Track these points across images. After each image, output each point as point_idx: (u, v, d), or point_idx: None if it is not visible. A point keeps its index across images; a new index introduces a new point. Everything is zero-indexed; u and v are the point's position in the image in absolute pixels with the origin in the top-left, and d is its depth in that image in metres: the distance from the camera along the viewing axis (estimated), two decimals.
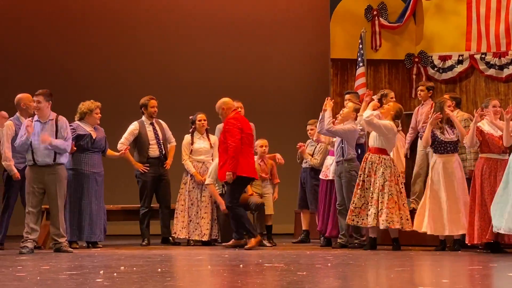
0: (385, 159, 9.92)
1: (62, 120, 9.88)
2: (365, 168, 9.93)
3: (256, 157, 11.04)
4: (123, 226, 13.01)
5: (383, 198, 9.77)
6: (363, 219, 9.87)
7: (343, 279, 6.49)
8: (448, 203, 9.68)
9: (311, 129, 11.43)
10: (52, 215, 9.76)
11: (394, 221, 9.73)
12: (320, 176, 10.87)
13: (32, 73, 14.51)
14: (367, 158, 9.96)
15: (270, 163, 11.30)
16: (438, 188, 9.76)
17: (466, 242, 9.48)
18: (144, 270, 7.14)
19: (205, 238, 10.91)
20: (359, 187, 9.91)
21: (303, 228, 11.77)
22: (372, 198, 9.81)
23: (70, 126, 10.08)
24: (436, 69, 13.82)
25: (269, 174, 11.25)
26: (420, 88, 11.64)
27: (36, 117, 9.81)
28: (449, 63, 13.74)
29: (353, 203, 9.89)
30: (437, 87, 13.65)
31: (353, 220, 9.91)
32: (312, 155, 11.34)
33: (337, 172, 10.31)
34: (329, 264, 7.70)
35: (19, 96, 10.55)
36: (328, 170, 10.67)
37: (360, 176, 9.95)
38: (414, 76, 13.87)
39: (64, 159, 9.86)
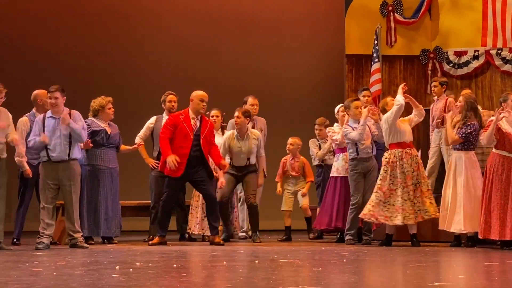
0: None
1: (75, 113, 9.88)
2: (411, 163, 9.82)
3: (289, 156, 11.34)
4: (137, 222, 13.02)
5: (421, 189, 9.77)
6: (391, 216, 9.79)
7: (359, 275, 6.48)
8: (451, 199, 9.64)
9: (320, 130, 11.41)
10: (67, 211, 9.78)
11: (430, 211, 9.74)
12: (335, 174, 10.77)
13: (45, 70, 14.55)
14: (410, 154, 9.86)
15: (301, 161, 11.29)
16: (449, 183, 9.71)
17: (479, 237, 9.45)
18: (160, 265, 7.15)
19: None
20: (398, 183, 9.80)
21: None
22: (414, 190, 9.77)
23: (85, 122, 10.09)
24: (451, 64, 13.80)
25: (301, 171, 11.25)
26: (434, 84, 11.58)
27: (49, 113, 9.81)
28: (464, 58, 13.72)
29: (399, 199, 9.78)
30: (452, 82, 13.63)
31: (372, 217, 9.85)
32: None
33: (365, 168, 10.25)
34: (344, 260, 7.69)
35: (35, 92, 10.56)
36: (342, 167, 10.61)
37: (396, 172, 9.84)
38: (429, 72, 13.85)
39: (78, 154, 9.87)
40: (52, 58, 14.84)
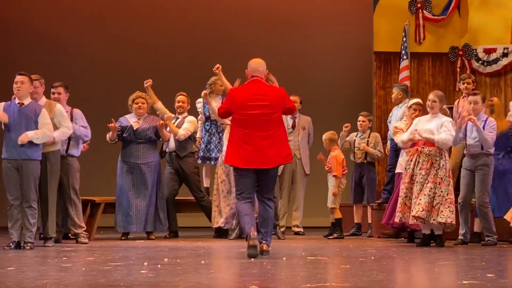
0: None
1: (76, 112, 9.94)
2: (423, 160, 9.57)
3: None
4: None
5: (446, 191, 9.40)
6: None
7: (387, 273, 6.46)
8: None
9: (363, 121, 11.37)
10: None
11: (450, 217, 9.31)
12: (399, 170, 10.33)
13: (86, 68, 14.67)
14: (422, 152, 9.58)
15: (330, 156, 11.06)
16: None
17: None
18: (188, 262, 7.18)
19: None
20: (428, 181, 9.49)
21: (356, 221, 11.65)
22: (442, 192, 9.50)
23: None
24: (480, 62, 13.72)
25: (330, 166, 11.02)
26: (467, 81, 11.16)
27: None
28: (493, 56, 13.63)
29: (435, 197, 9.33)
30: (481, 80, 13.57)
31: (402, 217, 9.59)
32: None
33: (470, 165, 9.83)
34: (372, 258, 7.68)
35: None
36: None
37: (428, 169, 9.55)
38: (458, 69, 13.78)
39: (76, 152, 9.92)
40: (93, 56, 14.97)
